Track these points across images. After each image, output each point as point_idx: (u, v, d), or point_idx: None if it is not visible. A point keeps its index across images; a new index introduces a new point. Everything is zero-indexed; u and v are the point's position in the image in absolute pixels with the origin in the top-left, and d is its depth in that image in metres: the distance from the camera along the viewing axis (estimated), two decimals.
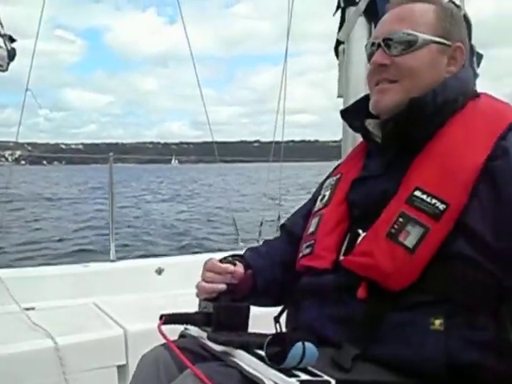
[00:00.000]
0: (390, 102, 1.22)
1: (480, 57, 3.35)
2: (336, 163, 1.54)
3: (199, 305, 1.28)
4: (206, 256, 2.05)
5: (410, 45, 1.21)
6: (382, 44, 1.24)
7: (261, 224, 3.57)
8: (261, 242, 1.45)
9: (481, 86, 1.37)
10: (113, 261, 3.37)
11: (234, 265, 1.28)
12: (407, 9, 1.26)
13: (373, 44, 1.28)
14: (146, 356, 1.20)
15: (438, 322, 1.04)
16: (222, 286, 1.23)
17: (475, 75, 3.23)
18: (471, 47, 3.18)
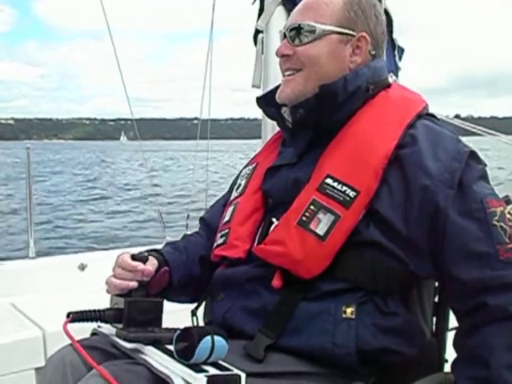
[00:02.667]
0: (290, 92, 1.23)
1: (401, 50, 3.45)
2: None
3: (111, 301, 1.24)
4: (131, 250, 1.99)
5: (310, 35, 1.21)
6: (287, 34, 1.25)
7: (187, 217, 3.53)
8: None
9: None
10: (32, 258, 3.21)
11: (146, 261, 1.23)
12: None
13: (284, 34, 1.28)
14: (53, 357, 1.15)
15: (349, 310, 1.05)
16: (134, 284, 1.19)
17: (397, 68, 3.33)
18: (393, 41, 3.27)
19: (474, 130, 3.20)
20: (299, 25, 1.23)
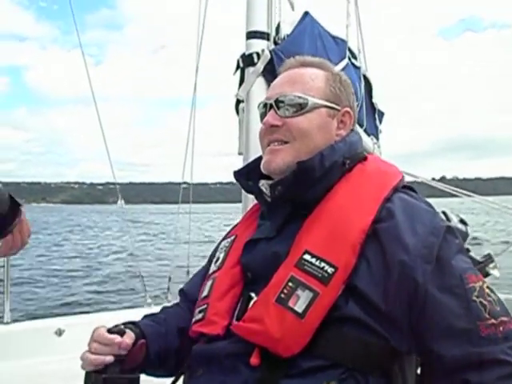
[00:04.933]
0: (281, 163, 1.23)
1: (381, 114, 3.54)
2: None
3: (86, 377, 1.19)
4: (109, 315, 1.92)
5: (301, 107, 1.24)
6: (273, 105, 1.27)
7: (169, 279, 3.49)
8: (169, 298, 1.39)
9: None
10: (7, 323, 3.11)
11: (123, 334, 1.20)
12: (298, 73, 1.30)
13: (265, 105, 1.31)
14: None
15: None
16: (110, 358, 1.16)
17: (377, 131, 3.40)
18: (373, 105, 3.36)
19: (452, 192, 3.30)
20: (289, 96, 1.25)
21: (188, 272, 3.49)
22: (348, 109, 1.30)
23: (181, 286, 1.51)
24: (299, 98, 1.24)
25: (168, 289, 3.41)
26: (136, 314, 1.47)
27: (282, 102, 1.26)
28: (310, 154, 1.21)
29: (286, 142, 1.24)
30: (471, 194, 3.28)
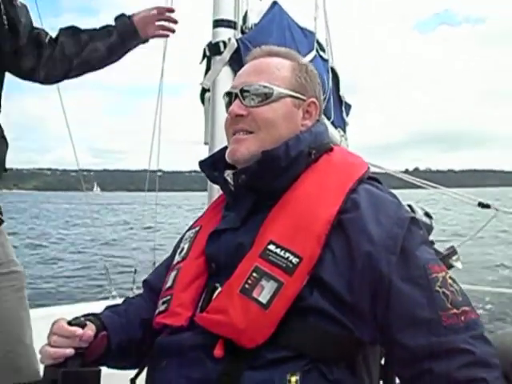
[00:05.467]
0: (245, 152, 1.23)
1: (349, 106, 3.57)
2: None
3: (44, 372, 1.16)
4: (70, 308, 1.87)
5: (267, 97, 1.24)
6: (239, 94, 1.26)
7: (135, 271, 3.45)
8: (135, 291, 1.36)
9: None
10: None
11: (84, 326, 1.17)
12: (264, 62, 1.30)
13: (230, 94, 1.30)
14: None
15: (294, 378, 1.02)
16: (70, 351, 1.13)
17: (345, 123, 3.42)
18: (340, 97, 3.38)
19: (418, 184, 3.37)
20: (255, 85, 1.24)
21: (154, 263, 3.44)
22: (314, 99, 1.30)
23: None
24: (264, 87, 1.24)
25: (133, 281, 3.37)
26: (99, 307, 1.44)
27: (248, 91, 1.25)
28: (274, 143, 1.20)
29: (250, 132, 1.24)
30: (436, 185, 3.36)
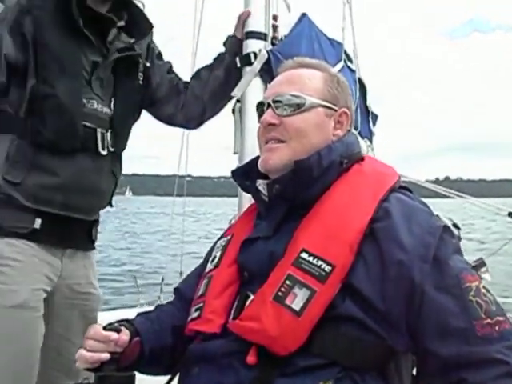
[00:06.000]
0: (278, 161, 1.24)
1: (375, 117, 3.55)
2: None
3: (80, 375, 1.19)
4: (102, 315, 1.91)
5: (299, 107, 1.25)
6: (271, 104, 1.28)
7: (162, 280, 3.47)
8: (162, 299, 1.39)
9: None
10: None
11: (118, 331, 1.20)
12: (296, 73, 1.32)
13: (263, 104, 1.32)
14: None
15: None
16: (105, 356, 1.15)
17: (371, 134, 3.41)
18: (366, 108, 3.37)
19: (445, 194, 3.32)
20: (287, 95, 1.26)
21: (181, 273, 3.47)
22: (345, 109, 1.31)
23: (174, 286, 1.51)
24: (297, 97, 1.26)
25: (161, 290, 3.38)
26: (128, 314, 1.46)
27: (280, 101, 1.27)
28: (306, 153, 1.22)
29: (282, 142, 1.25)
30: (464, 195, 3.30)
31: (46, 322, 1.70)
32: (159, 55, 2.02)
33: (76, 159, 1.68)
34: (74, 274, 1.78)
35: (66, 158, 1.67)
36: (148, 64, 1.91)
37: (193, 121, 2.11)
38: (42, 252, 1.68)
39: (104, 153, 1.74)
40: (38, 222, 1.65)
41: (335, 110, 1.29)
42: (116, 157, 1.85)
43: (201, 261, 1.47)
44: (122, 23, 1.81)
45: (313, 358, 1.05)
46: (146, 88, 1.93)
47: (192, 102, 2.03)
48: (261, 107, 1.33)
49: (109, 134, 1.76)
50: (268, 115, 1.27)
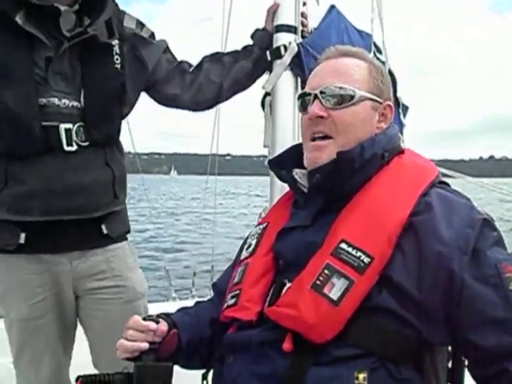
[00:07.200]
0: (326, 159, 1.22)
1: (406, 108, 3.52)
2: None
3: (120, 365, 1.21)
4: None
5: (347, 99, 1.23)
6: (318, 96, 1.24)
7: (194, 274, 3.48)
8: (194, 292, 1.41)
9: None
10: None
11: (157, 323, 1.22)
12: (342, 63, 1.28)
13: (307, 94, 1.28)
14: None
15: (361, 376, 1.03)
16: (145, 345, 1.17)
17: (402, 126, 3.38)
18: (397, 99, 3.34)
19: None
20: (335, 87, 1.23)
21: (212, 267, 3.45)
22: (389, 102, 1.29)
23: (205, 280, 1.53)
24: (346, 89, 1.23)
25: (193, 284, 3.39)
26: (164, 308, 1.49)
27: (327, 93, 1.23)
28: (349, 146, 1.20)
29: (329, 137, 1.23)
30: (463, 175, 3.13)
31: (83, 320, 1.78)
32: (152, 35, 1.89)
33: (43, 162, 1.61)
34: (92, 271, 1.75)
35: (32, 164, 1.60)
36: (114, 42, 1.71)
37: (202, 104, 2.05)
38: (33, 265, 1.67)
39: (72, 149, 1.62)
40: (22, 237, 1.62)
41: (380, 103, 1.27)
42: (106, 148, 1.73)
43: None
44: (76, 7, 1.66)
45: (348, 347, 1.06)
46: (142, 72, 1.83)
47: (205, 85, 1.97)
48: (304, 98, 1.29)
49: (81, 128, 1.64)
50: (316, 107, 1.24)
